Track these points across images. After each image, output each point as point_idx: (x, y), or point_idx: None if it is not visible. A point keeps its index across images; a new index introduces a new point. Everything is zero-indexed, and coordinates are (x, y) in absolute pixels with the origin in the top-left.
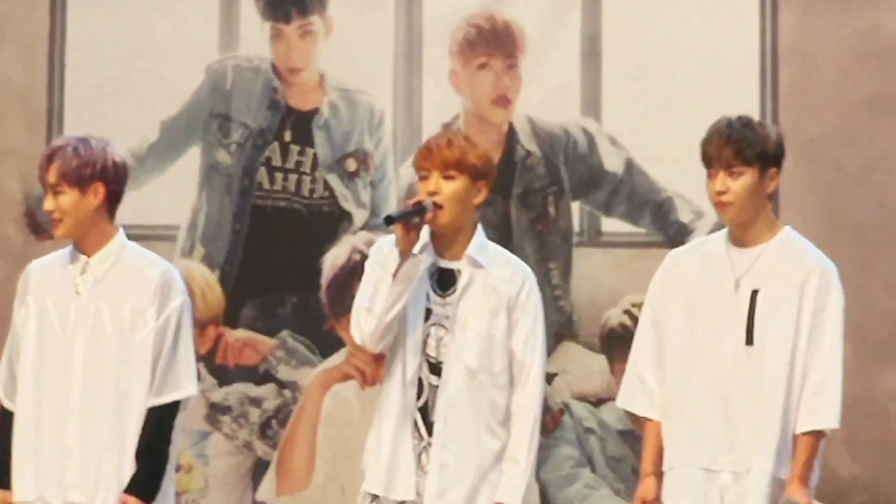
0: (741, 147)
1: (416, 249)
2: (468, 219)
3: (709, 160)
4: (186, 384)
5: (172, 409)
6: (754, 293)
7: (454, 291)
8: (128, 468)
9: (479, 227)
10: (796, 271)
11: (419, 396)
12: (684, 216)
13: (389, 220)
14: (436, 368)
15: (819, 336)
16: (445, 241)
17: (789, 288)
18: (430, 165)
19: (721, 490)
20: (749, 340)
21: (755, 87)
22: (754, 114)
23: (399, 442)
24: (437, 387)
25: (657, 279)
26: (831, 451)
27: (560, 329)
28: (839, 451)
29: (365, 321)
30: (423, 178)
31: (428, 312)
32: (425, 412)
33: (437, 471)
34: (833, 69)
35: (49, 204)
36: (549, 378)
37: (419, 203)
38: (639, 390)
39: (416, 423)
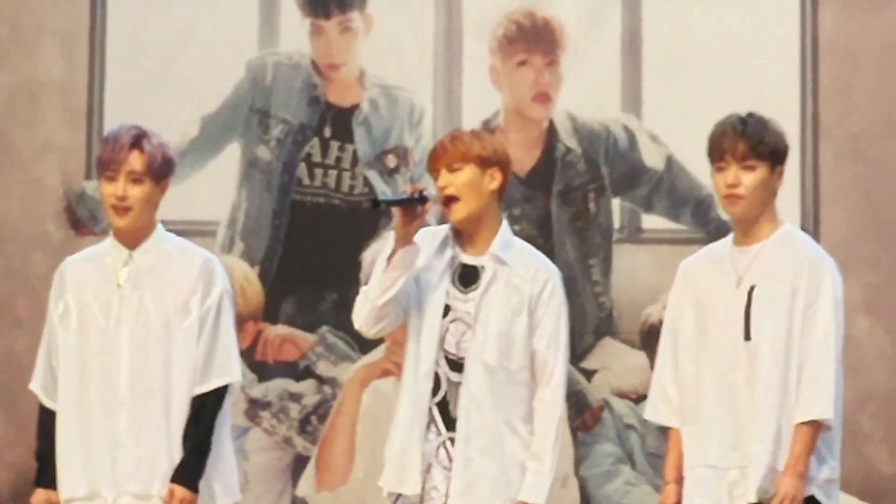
0: (756, 142)
1: (435, 242)
2: (487, 209)
3: (720, 153)
4: (231, 370)
5: (217, 395)
6: (752, 289)
7: (477, 287)
8: (178, 456)
9: (505, 223)
10: (789, 265)
11: (436, 391)
12: (724, 213)
13: (376, 203)
14: (456, 365)
15: (811, 328)
16: (468, 236)
17: (782, 282)
18: (438, 165)
19: (730, 486)
20: (747, 336)
21: (796, 82)
22: (795, 110)
23: (410, 436)
24: (458, 383)
25: (673, 289)
26: (871, 448)
27: (600, 325)
28: (879, 448)
29: (361, 304)
30: (436, 180)
31: (447, 308)
32: (445, 407)
33: (461, 467)
34: (873, 64)
35: (121, 190)
36: (589, 375)
37: (420, 191)
38: (660, 399)
39: (433, 418)
